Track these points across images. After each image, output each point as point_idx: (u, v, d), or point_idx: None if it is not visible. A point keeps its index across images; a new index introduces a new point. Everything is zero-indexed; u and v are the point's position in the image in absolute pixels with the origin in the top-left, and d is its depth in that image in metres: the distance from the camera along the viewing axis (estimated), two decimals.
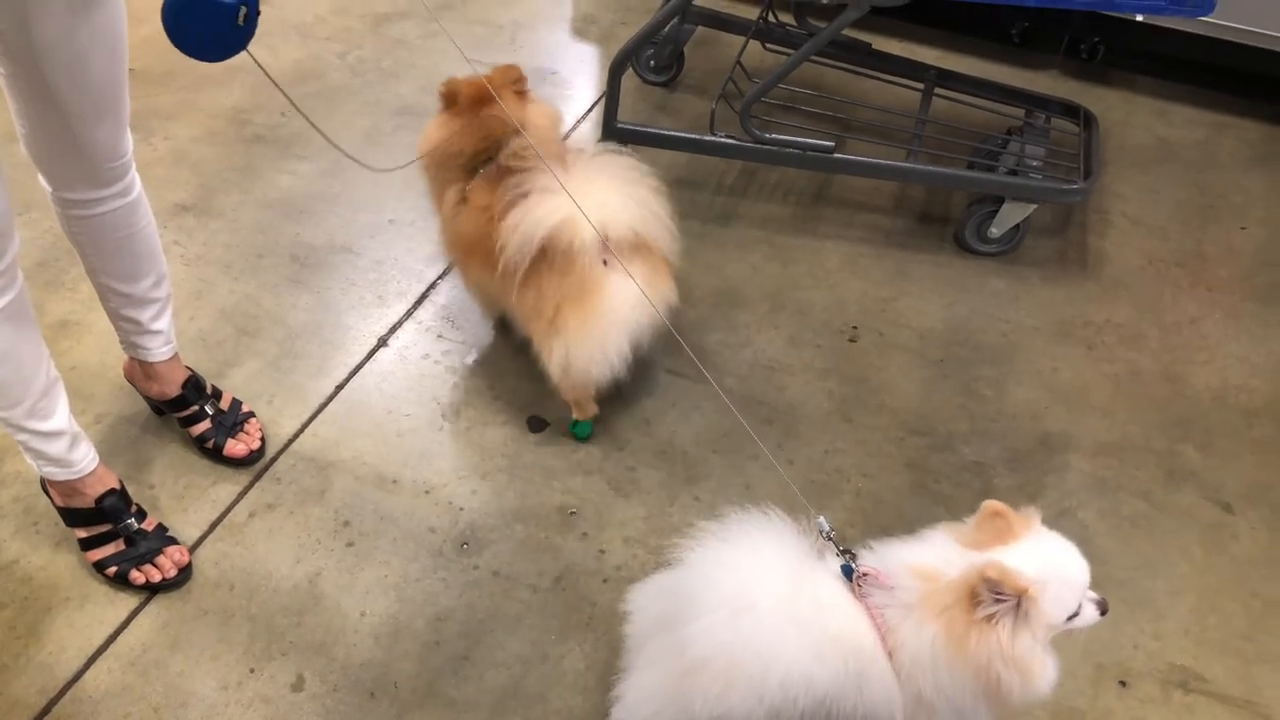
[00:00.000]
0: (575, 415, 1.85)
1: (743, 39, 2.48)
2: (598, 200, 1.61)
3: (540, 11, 3.03)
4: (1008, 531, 1.16)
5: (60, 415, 1.48)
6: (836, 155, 2.20)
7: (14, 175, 1.32)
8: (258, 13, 1.21)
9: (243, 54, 1.26)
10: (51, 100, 1.31)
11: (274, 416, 1.86)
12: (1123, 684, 1.55)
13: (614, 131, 2.25)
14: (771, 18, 2.54)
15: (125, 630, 1.55)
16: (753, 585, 1.20)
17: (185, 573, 1.61)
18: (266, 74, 1.38)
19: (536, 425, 1.88)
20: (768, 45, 2.55)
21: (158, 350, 1.69)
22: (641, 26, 2.27)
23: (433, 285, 2.15)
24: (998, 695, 1.15)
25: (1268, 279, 2.28)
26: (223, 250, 2.20)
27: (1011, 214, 2.20)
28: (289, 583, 1.62)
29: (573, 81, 2.77)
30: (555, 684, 1.51)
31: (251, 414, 1.82)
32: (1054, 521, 1.75)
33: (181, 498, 1.73)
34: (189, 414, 1.76)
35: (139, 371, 1.74)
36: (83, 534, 1.60)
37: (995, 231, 2.24)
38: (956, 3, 1.96)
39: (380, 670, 1.52)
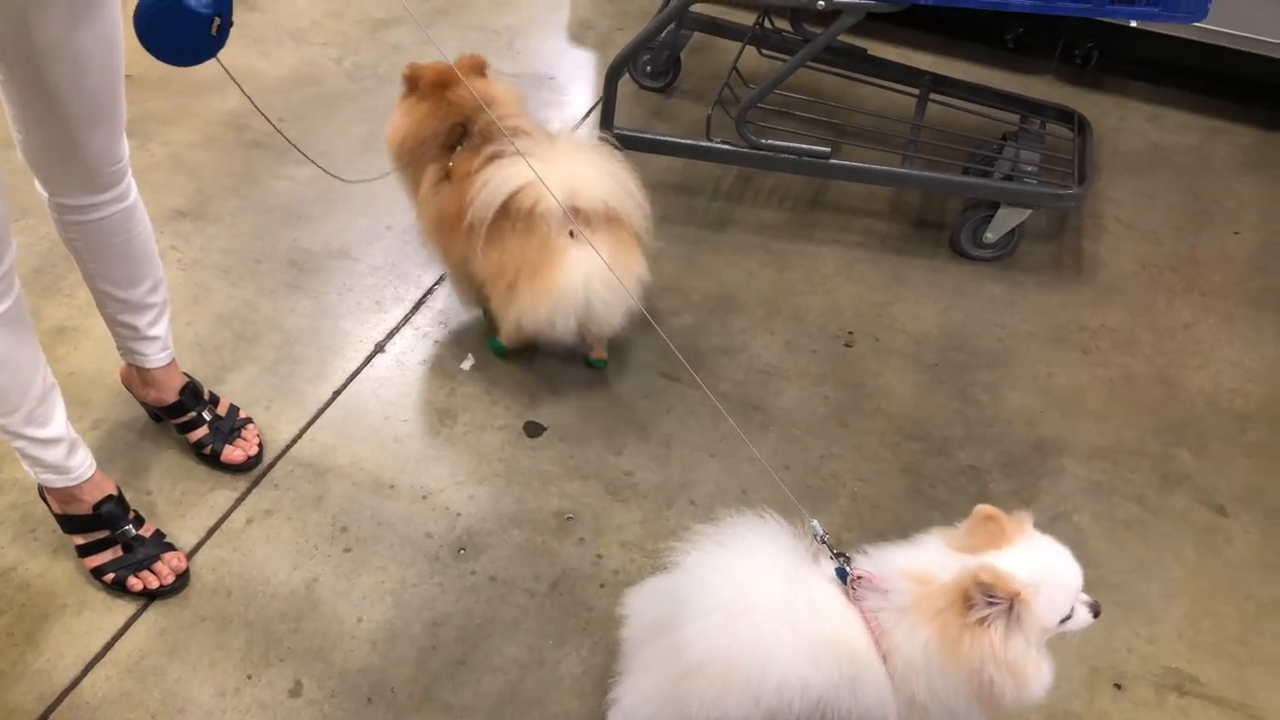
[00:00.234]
0: (502, 340, 1.93)
1: (739, 45, 2.49)
2: (569, 170, 1.64)
3: (537, 17, 3.04)
4: (1000, 535, 1.17)
5: (57, 422, 1.48)
6: (832, 161, 2.21)
7: (10, 181, 1.32)
8: (231, 23, 1.22)
9: (235, 62, 1.27)
10: (49, 105, 1.31)
11: (271, 422, 1.86)
12: (1117, 687, 1.56)
13: (611, 137, 2.25)
14: (767, 24, 2.55)
15: (123, 637, 1.55)
16: (748, 589, 1.21)
17: (183, 579, 1.61)
18: (230, 75, 1.36)
19: (534, 430, 1.88)
20: (764, 51, 2.56)
21: (155, 356, 1.69)
22: (638, 32, 2.28)
23: (430, 291, 2.16)
24: (991, 698, 1.16)
25: (1261, 284, 2.29)
26: (220, 256, 2.20)
27: (1006, 219, 2.21)
28: (286, 588, 1.62)
29: (569, 87, 2.78)
30: (552, 689, 1.51)
31: (249, 420, 1.83)
32: (1049, 525, 1.76)
33: (179, 504, 1.73)
34: (186, 420, 1.76)
35: (136, 377, 1.74)
36: (80, 540, 1.60)
37: (990, 237, 2.25)
38: (951, 9, 1.97)
39: (377, 676, 1.52)
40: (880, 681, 1.19)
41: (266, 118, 1.51)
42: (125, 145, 1.45)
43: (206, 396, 1.80)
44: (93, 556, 1.59)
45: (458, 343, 2.04)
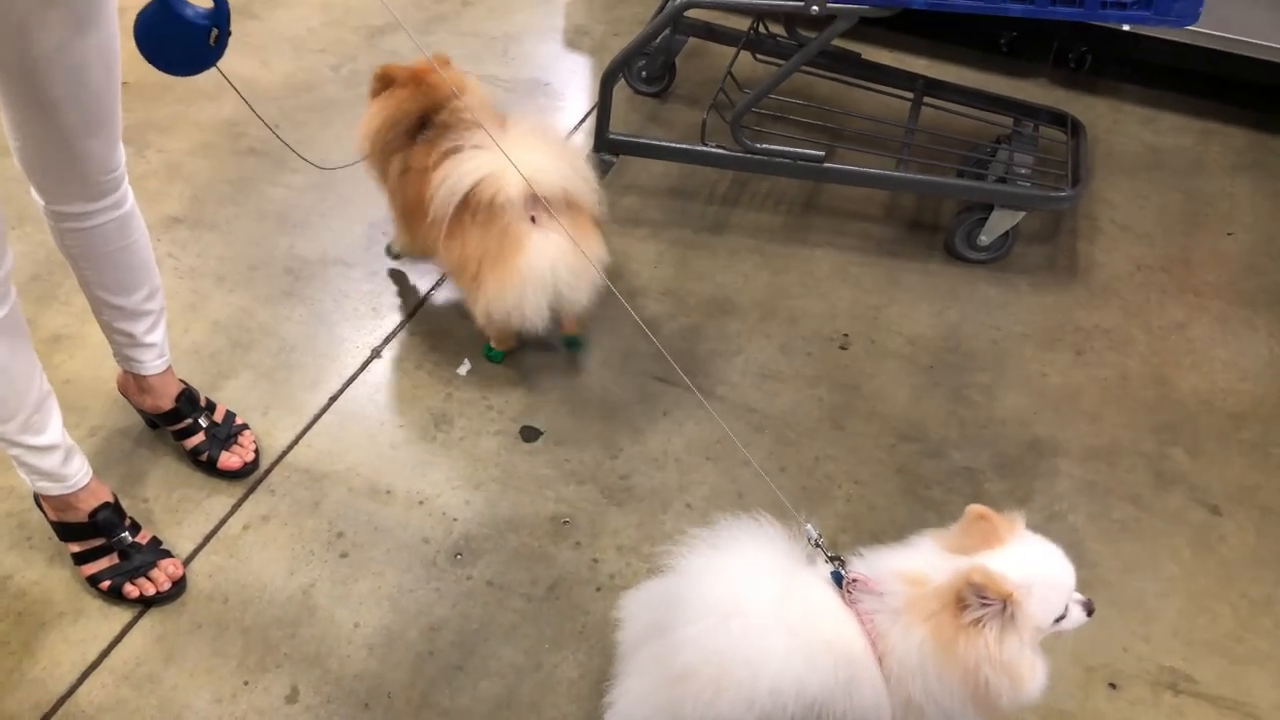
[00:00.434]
0: (494, 345, 1.98)
1: (734, 50, 2.50)
2: (527, 159, 1.67)
3: (533, 23, 3.05)
4: (993, 536, 1.18)
5: (54, 430, 1.48)
6: (827, 164, 2.22)
7: (7, 189, 1.33)
8: (229, 33, 1.23)
9: (234, 69, 1.28)
10: (46, 114, 1.32)
11: (268, 428, 1.87)
12: (1113, 686, 1.56)
13: (606, 142, 2.27)
14: (762, 29, 2.56)
15: (119, 644, 1.56)
16: (743, 592, 1.21)
17: (179, 586, 1.61)
18: (229, 81, 1.39)
19: (529, 435, 1.89)
20: (758, 56, 2.57)
21: (151, 363, 1.70)
22: (633, 38, 2.29)
23: (426, 296, 2.16)
24: (987, 699, 1.16)
25: (1254, 284, 2.30)
26: (216, 263, 2.21)
27: (1001, 221, 2.22)
28: (283, 595, 1.62)
29: (565, 92, 2.79)
30: (549, 693, 1.52)
31: (245, 426, 1.83)
32: (1044, 525, 1.77)
33: (175, 511, 1.73)
34: (183, 427, 1.77)
35: (133, 385, 1.75)
36: (76, 548, 1.60)
37: (985, 239, 2.25)
38: (945, 13, 1.98)
39: (374, 681, 1.52)
40: (876, 684, 1.19)
41: (257, 114, 1.53)
42: (122, 153, 1.46)
43: (203, 403, 1.80)
44: (89, 564, 1.60)
45: (454, 348, 2.05)
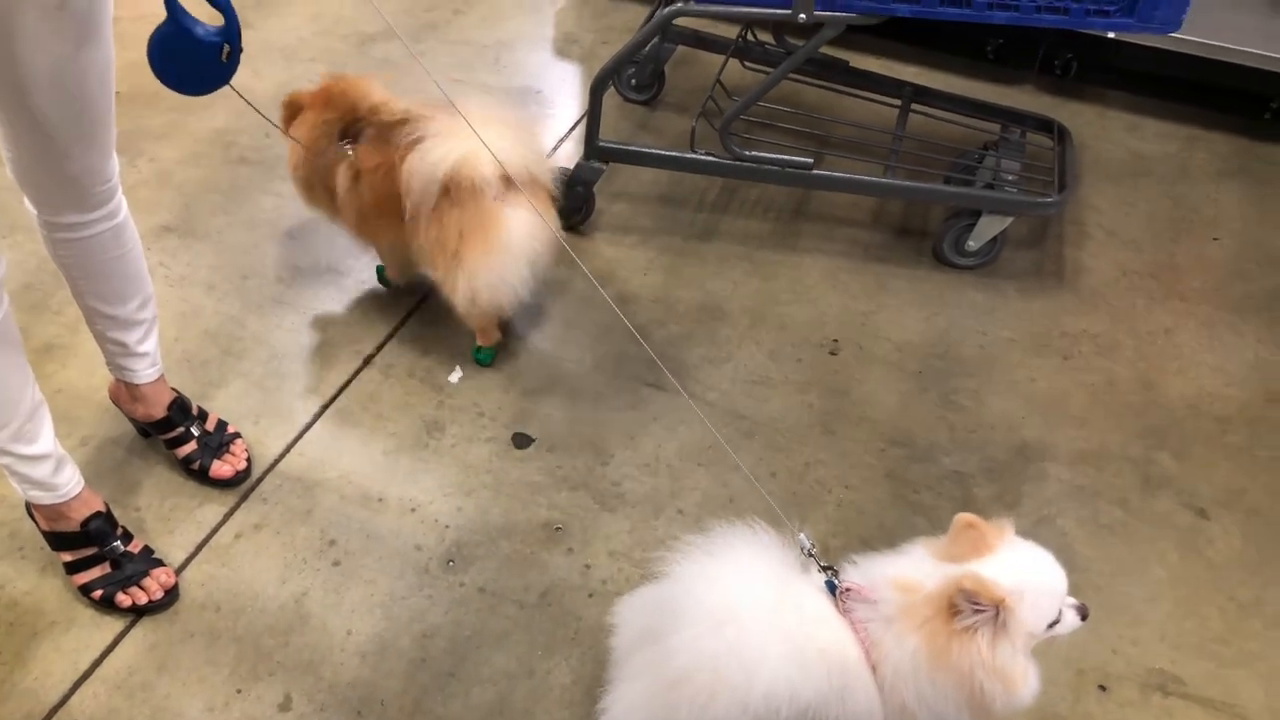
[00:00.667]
0: (480, 342, 2.00)
1: (722, 58, 2.51)
2: (494, 140, 1.71)
3: (523, 31, 3.06)
4: (982, 543, 1.18)
5: (45, 439, 1.48)
6: (815, 171, 2.23)
7: None
8: (240, 50, 1.24)
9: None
10: (40, 128, 1.32)
11: (260, 437, 1.87)
12: (1102, 688, 1.57)
13: (597, 150, 2.28)
14: (750, 36, 2.58)
15: (111, 653, 1.55)
16: (736, 597, 1.22)
17: (172, 594, 1.61)
18: (246, 100, 1.40)
19: (521, 442, 1.89)
20: (747, 64, 2.58)
21: (144, 372, 1.70)
22: (623, 46, 2.30)
23: (417, 304, 2.17)
24: (980, 705, 1.17)
25: (1240, 289, 2.32)
26: (208, 271, 2.21)
27: (988, 227, 2.24)
28: (275, 603, 1.62)
29: (555, 100, 2.80)
30: (542, 699, 1.52)
31: (237, 435, 1.83)
32: (1032, 529, 1.78)
33: (167, 519, 1.73)
34: (175, 436, 1.77)
35: (125, 393, 1.75)
36: (68, 558, 1.60)
37: (973, 244, 2.27)
38: (931, 21, 2.00)
39: (367, 689, 1.52)
40: (870, 692, 1.20)
41: (265, 117, 1.55)
42: (115, 164, 1.46)
43: (195, 412, 1.80)
44: (81, 573, 1.59)
45: (445, 356, 2.05)
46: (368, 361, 2.03)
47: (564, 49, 3.01)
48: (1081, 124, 2.75)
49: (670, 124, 2.69)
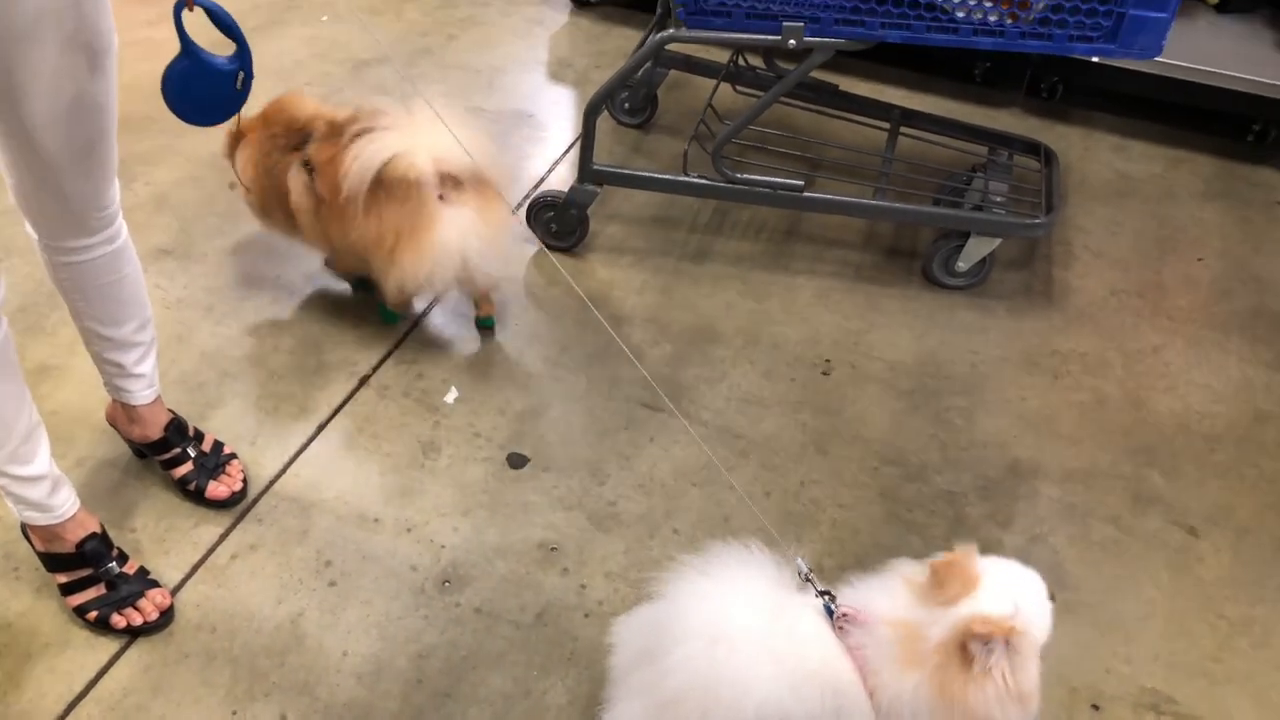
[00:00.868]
0: (390, 306, 2.06)
1: (714, 82, 2.55)
2: (434, 139, 1.74)
3: (516, 56, 3.10)
4: (965, 576, 1.19)
5: (41, 460, 1.49)
6: (806, 194, 2.26)
7: None
8: (252, 75, 1.26)
9: None
10: (40, 157, 1.33)
11: (256, 457, 1.87)
12: (1095, 708, 1.58)
13: (591, 173, 2.30)
14: (741, 61, 2.61)
15: (106, 675, 1.55)
16: (729, 616, 1.22)
17: (167, 615, 1.61)
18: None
19: (517, 462, 1.90)
20: (738, 88, 2.62)
21: (140, 393, 1.70)
22: (616, 70, 2.33)
23: (414, 324, 2.18)
24: None
25: (1226, 308, 2.35)
26: (204, 293, 2.22)
27: (977, 248, 2.27)
28: (271, 623, 1.62)
29: (549, 124, 2.83)
30: (538, 719, 1.52)
31: (233, 455, 1.83)
32: (1025, 548, 1.80)
33: (163, 540, 1.73)
34: (171, 457, 1.77)
35: (122, 414, 1.75)
36: (63, 579, 1.59)
37: (962, 265, 2.30)
38: (919, 46, 2.03)
39: (363, 710, 1.52)
40: (866, 714, 1.21)
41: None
42: (116, 189, 1.47)
43: (191, 433, 1.81)
44: (76, 595, 1.59)
45: (441, 376, 2.06)
46: (364, 382, 2.04)
47: (558, 73, 3.04)
48: (1068, 146, 2.79)
49: (663, 147, 2.72)
